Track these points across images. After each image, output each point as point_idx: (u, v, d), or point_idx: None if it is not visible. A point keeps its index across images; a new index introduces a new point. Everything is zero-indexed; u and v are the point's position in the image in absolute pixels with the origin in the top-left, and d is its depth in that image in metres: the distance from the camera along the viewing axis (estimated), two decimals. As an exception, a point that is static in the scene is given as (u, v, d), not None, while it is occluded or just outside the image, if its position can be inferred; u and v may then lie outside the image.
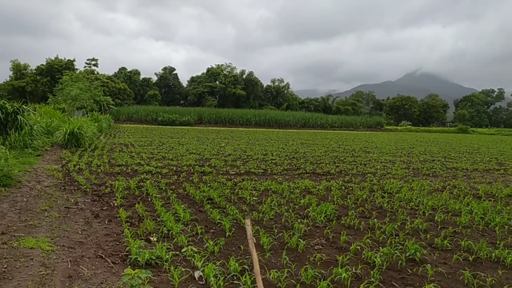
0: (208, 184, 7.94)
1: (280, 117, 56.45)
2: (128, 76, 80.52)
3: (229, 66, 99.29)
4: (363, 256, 4.22)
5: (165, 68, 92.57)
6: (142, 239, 4.47)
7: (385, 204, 6.62)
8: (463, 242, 4.70)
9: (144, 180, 8.17)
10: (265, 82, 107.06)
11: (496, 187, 9.08)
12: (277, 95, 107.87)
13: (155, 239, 4.52)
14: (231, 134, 31.72)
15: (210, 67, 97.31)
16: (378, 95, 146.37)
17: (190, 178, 8.61)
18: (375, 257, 4.06)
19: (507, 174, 11.83)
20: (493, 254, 4.36)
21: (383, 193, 7.65)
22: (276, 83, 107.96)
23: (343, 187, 8.25)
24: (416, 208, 6.58)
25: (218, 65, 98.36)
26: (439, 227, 5.54)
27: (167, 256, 3.90)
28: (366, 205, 6.58)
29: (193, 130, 38.16)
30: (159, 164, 10.68)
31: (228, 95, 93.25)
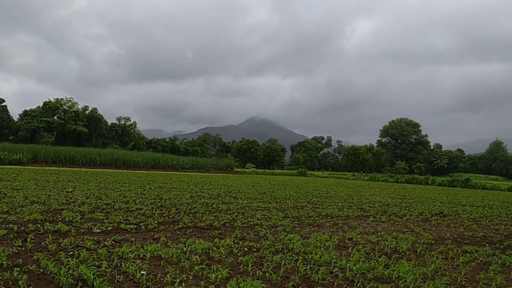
0: (71, 253, 5.83)
1: (128, 157, 52.90)
2: None
3: (69, 100, 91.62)
4: None
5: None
6: None
7: (313, 275, 5.48)
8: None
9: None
10: (110, 119, 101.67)
11: (404, 238, 8.82)
12: (123, 134, 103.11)
13: None
14: (75, 176, 27.88)
15: (47, 100, 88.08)
16: (222, 137, 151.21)
17: (42, 244, 6.29)
18: None
19: (380, 221, 12.01)
20: None
21: (294, 256, 6.54)
22: (122, 122, 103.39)
23: (246, 248, 6.93)
24: (345, 277, 5.62)
25: (57, 99, 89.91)
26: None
27: None
28: (293, 277, 5.36)
29: (27, 170, 32.70)
30: (-8, 222, 7.91)
31: (68, 131, 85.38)
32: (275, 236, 8.25)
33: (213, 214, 11.12)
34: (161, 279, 4.85)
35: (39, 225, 7.76)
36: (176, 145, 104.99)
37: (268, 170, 78.02)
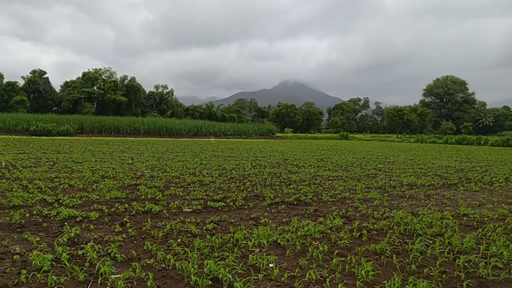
0: (179, 240, 5.23)
1: (171, 125, 52.98)
2: (-13, 79, 69.15)
3: (108, 70, 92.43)
4: None
5: (34, 72, 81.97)
6: None
7: (480, 270, 4.47)
8: None
9: (76, 239, 5.11)
10: (146, 88, 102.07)
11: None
12: (161, 102, 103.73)
13: None
14: (125, 146, 27.89)
15: (86, 71, 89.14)
16: (256, 102, 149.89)
17: (144, 229, 5.72)
18: None
19: (472, 190, 10.96)
20: None
21: (427, 240, 5.70)
22: (160, 90, 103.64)
23: (364, 231, 6.14)
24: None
25: (96, 69, 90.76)
26: None
27: None
28: (457, 273, 4.53)
29: (77, 141, 33.11)
30: (75, 201, 7.44)
31: (108, 101, 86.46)
32: (379, 212, 7.43)
33: (291, 186, 10.42)
34: (299, 275, 4.15)
35: (126, 205, 7.24)
36: (213, 111, 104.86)
37: (309, 135, 76.86)
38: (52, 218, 6.15)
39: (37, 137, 38.98)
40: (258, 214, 6.98)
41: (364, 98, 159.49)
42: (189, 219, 6.35)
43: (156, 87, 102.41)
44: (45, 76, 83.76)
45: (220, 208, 7.47)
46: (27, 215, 6.26)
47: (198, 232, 5.62)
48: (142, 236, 5.37)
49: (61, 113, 65.88)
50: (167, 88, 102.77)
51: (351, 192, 9.87)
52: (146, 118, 58.74)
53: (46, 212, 6.39)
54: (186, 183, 10.52)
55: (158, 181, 10.63)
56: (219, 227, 6.06)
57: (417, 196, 9.61)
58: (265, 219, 6.54)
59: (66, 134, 43.08)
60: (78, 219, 6.06)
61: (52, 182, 9.86)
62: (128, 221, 6.13)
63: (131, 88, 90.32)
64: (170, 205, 7.42)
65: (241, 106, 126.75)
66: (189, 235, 5.51)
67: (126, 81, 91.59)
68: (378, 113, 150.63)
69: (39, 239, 4.98)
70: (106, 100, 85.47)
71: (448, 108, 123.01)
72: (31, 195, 7.79)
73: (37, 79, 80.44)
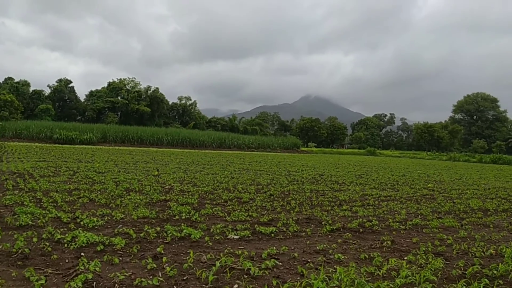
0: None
1: (194, 137, 51.94)
2: (15, 87, 69.63)
3: (132, 80, 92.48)
4: None
5: (60, 80, 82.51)
6: None
7: None
8: None
9: (95, 283, 3.70)
10: (170, 99, 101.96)
11: None
12: (183, 113, 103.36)
13: None
14: (149, 156, 26.76)
15: (111, 81, 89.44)
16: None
17: (184, 265, 4.27)
18: None
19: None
20: None
21: None
22: (183, 101, 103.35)
23: (477, 273, 4.57)
24: None
25: (121, 79, 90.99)
26: None
27: None
28: None
29: (99, 150, 32.19)
30: (96, 220, 6.06)
31: (131, 111, 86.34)
32: (477, 248, 5.82)
33: (343, 207, 8.89)
34: None
35: (158, 228, 5.83)
36: (235, 124, 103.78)
37: (334, 149, 74.90)
38: (66, 245, 4.77)
39: (60, 145, 38.33)
40: (323, 245, 5.47)
41: (390, 114, 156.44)
42: (239, 251, 4.89)
43: (180, 98, 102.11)
44: (70, 85, 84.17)
45: (272, 234, 6.01)
46: (35, 239, 4.89)
47: (258, 273, 4.15)
48: (184, 278, 3.93)
49: (85, 122, 65.76)
50: (190, 100, 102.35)
51: (420, 217, 8.26)
52: (169, 129, 57.89)
53: (59, 237, 5.01)
54: (222, 200, 9.11)
55: (190, 196, 9.25)
56: (281, 264, 4.58)
57: (501, 225, 7.95)
58: (338, 254, 5.03)
59: (89, 143, 42.41)
60: (98, 248, 4.65)
61: (70, 195, 8.56)
62: (162, 252, 4.71)
63: (154, 98, 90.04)
64: (211, 230, 5.99)
65: (264, 119, 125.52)
66: (246, 276, 4.05)
67: (149, 91, 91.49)
68: (403, 129, 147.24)
69: (44, 280, 3.59)
70: (129, 110, 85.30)
71: (478, 126, 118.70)
72: (44, 212, 6.47)
73: (63, 88, 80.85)
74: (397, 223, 7.36)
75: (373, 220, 7.41)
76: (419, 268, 4.55)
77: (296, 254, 4.94)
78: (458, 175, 22.95)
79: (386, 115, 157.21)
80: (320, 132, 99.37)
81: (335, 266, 4.53)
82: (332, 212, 8.32)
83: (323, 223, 7.07)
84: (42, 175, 12.09)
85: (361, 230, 6.71)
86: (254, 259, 4.71)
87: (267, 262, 4.47)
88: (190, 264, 4.28)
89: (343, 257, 4.91)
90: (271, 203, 9.06)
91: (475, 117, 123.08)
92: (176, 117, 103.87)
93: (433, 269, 4.54)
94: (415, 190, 13.57)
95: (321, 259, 4.79)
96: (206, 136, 52.98)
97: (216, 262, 4.30)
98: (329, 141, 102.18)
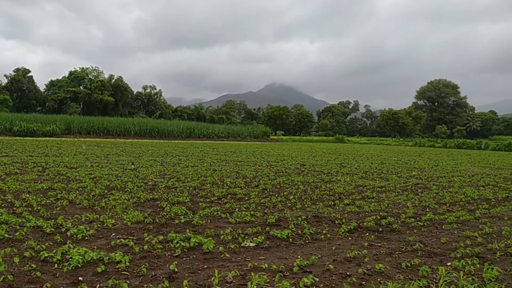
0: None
1: (163, 127, 50.45)
2: (-34, 77, 65.43)
3: (95, 70, 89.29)
4: None
5: (17, 70, 78.43)
6: None
7: None
8: None
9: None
10: (135, 88, 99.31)
11: None
12: (148, 103, 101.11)
13: None
14: (118, 148, 25.48)
15: (73, 70, 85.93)
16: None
17: (202, 281, 3.54)
18: None
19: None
20: None
21: None
22: (148, 90, 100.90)
23: None
24: None
25: (83, 68, 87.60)
26: None
27: None
28: None
29: (65, 142, 30.47)
30: (84, 229, 5.18)
31: (95, 101, 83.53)
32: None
33: (345, 202, 8.36)
34: None
35: (161, 237, 5.02)
36: (201, 113, 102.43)
37: (304, 137, 74.97)
38: (56, 265, 3.92)
39: (21, 137, 36.12)
40: (352, 251, 4.84)
41: (354, 101, 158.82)
42: (264, 264, 4.19)
43: (144, 87, 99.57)
44: (29, 74, 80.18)
45: (290, 239, 5.33)
46: (16, 259, 3.99)
47: (298, 294, 3.47)
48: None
49: (45, 113, 62.63)
50: (155, 89, 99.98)
51: (429, 211, 7.81)
52: (136, 119, 56.01)
53: (46, 255, 4.13)
54: (215, 197, 8.36)
55: (180, 194, 8.45)
56: (318, 280, 3.91)
57: (513, 216, 7.60)
58: (377, 263, 4.40)
59: (52, 135, 40.29)
60: (99, 269, 3.82)
61: (45, 196, 7.58)
62: (176, 269, 3.94)
63: (118, 88, 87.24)
64: (221, 236, 5.24)
65: (231, 108, 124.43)
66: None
67: (113, 80, 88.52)
68: (367, 116, 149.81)
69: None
70: (92, 100, 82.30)
71: (440, 112, 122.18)
72: (20, 220, 5.53)
73: (21, 78, 76.87)
74: (412, 219, 6.86)
75: (388, 217, 6.86)
76: (476, 279, 4.00)
77: (330, 266, 4.28)
78: (433, 162, 23.01)
79: (350, 103, 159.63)
80: (289, 120, 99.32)
81: (380, 280, 3.90)
82: (336, 207, 7.75)
83: (336, 222, 6.47)
84: (8, 172, 10.90)
85: (380, 229, 6.14)
86: (285, 274, 4.02)
87: (305, 279, 3.79)
88: (217, 287, 3.54)
89: (383, 267, 4.29)
90: (269, 198, 8.41)
91: (436, 103, 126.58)
92: (141, 106, 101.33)
93: (493, 279, 3.99)
94: (404, 179, 13.26)
95: (361, 271, 4.16)
96: (175, 126, 51.58)
97: (248, 283, 3.57)
98: (297, 129, 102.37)
